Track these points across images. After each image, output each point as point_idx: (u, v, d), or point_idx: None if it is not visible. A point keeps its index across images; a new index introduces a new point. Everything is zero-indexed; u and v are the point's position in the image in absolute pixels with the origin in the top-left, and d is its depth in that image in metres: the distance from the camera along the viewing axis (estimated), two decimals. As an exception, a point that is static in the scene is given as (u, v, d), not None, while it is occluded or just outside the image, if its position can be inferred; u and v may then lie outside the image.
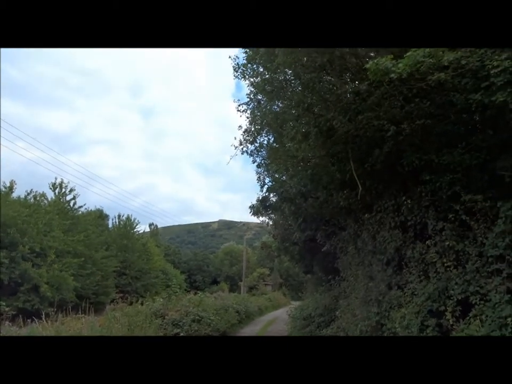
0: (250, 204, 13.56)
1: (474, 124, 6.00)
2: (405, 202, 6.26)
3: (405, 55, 4.18)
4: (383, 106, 5.97)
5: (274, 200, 12.94)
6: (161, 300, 11.68)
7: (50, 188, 31.71)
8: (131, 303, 10.74)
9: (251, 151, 11.29)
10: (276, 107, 9.49)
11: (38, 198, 29.71)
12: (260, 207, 13.20)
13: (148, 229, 57.01)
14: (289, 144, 8.51)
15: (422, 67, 4.16)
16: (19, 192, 30.87)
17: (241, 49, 8.81)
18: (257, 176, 12.61)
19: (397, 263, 6.57)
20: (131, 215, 42.85)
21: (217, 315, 13.81)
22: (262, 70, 8.49)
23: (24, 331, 6.96)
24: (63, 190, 32.10)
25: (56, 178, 32.49)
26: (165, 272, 45.52)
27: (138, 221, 43.58)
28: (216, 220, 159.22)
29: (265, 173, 12.66)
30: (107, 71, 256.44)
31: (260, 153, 11.78)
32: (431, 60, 4.04)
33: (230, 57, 9.27)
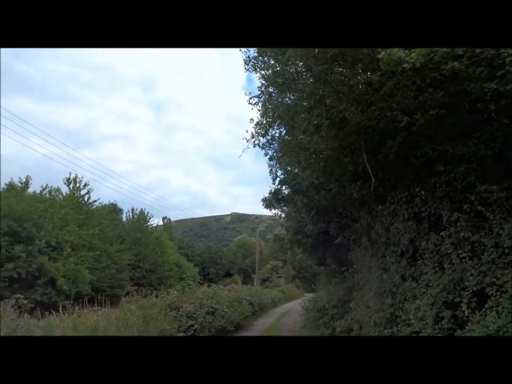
0: (262, 197, 13.58)
1: (489, 113, 5.89)
2: (419, 193, 6.20)
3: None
4: (396, 96, 5.90)
5: (286, 192, 12.93)
6: (176, 292, 11.81)
7: (65, 183, 32.21)
8: (146, 296, 10.90)
9: (263, 144, 11.28)
10: (287, 99, 9.44)
11: (53, 193, 30.27)
12: (272, 200, 13.21)
13: (161, 223, 57.61)
14: (301, 136, 8.48)
15: (435, 56, 4.10)
16: (34, 187, 31.46)
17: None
18: (269, 169, 12.61)
19: (411, 255, 6.53)
20: (144, 209, 43.32)
21: (231, 307, 13.92)
22: (273, 62, 8.43)
23: (42, 323, 7.11)
24: (77, 184, 32.59)
25: (70, 173, 32.96)
26: (179, 265, 46.01)
27: (151, 214, 44.07)
28: (229, 213, 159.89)
29: (277, 165, 12.64)
30: (118, 66, 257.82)
31: (271, 146, 11.77)
32: (445, 49, 3.97)
33: (240, 50, 9.24)
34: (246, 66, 9.18)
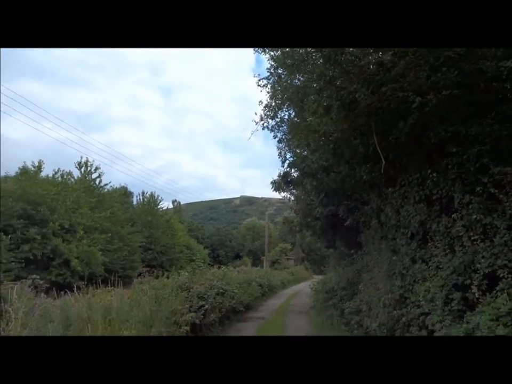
0: (271, 180, 13.56)
1: (505, 93, 5.74)
2: (430, 175, 6.13)
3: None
4: (408, 76, 5.77)
5: (295, 175, 12.89)
6: (186, 274, 11.96)
7: (76, 167, 32.58)
8: (157, 277, 11.08)
9: (272, 126, 11.22)
10: (296, 81, 9.32)
11: (65, 177, 30.67)
12: (281, 183, 13.20)
13: (171, 206, 58.07)
14: (311, 118, 8.39)
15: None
16: (47, 171, 31.86)
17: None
18: (278, 151, 12.55)
19: (421, 237, 6.51)
20: (154, 192, 43.71)
21: (240, 288, 14.12)
22: (282, 42, 8.28)
23: (58, 302, 7.31)
24: (89, 168, 32.96)
25: (81, 157, 33.34)
26: (189, 247, 46.61)
27: (161, 198, 44.50)
28: (238, 196, 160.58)
29: (286, 148, 12.57)
30: (126, 50, 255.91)
31: (280, 128, 11.70)
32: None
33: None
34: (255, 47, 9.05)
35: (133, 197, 44.32)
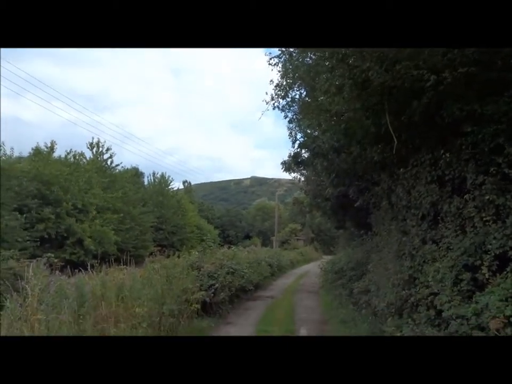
0: (282, 160, 13.51)
1: (524, 70, 5.57)
2: (443, 155, 6.03)
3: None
4: (422, 54, 5.62)
5: (306, 156, 12.79)
6: (197, 253, 12.13)
7: (88, 147, 32.86)
8: (168, 256, 11.25)
9: (283, 106, 11.09)
10: (308, 59, 9.15)
11: (77, 157, 30.99)
12: (291, 163, 13.12)
13: (181, 186, 58.48)
14: (322, 97, 8.26)
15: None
16: (59, 152, 32.19)
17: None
18: (289, 132, 12.45)
19: (432, 218, 6.46)
20: (165, 173, 43.98)
21: (250, 268, 14.29)
22: (293, 19, 8.10)
23: (72, 280, 7.51)
24: (100, 149, 33.19)
25: (93, 138, 33.53)
26: (199, 228, 47.10)
27: (172, 178, 44.74)
28: (248, 176, 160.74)
29: (297, 128, 12.45)
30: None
31: (291, 108, 11.56)
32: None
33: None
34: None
35: (144, 178, 44.71)
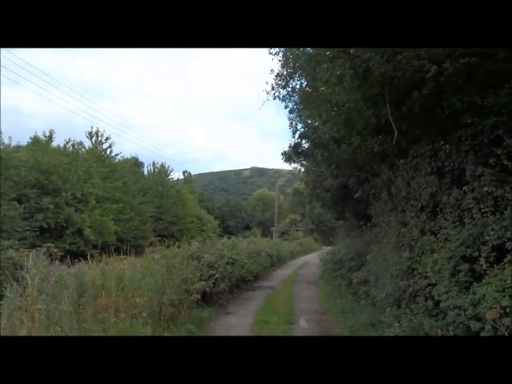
0: (282, 151, 13.48)
1: (525, 62, 5.52)
2: (443, 147, 6.02)
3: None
4: (424, 44, 5.57)
5: (306, 146, 12.75)
6: (197, 244, 12.17)
7: (87, 137, 32.69)
8: (168, 246, 11.28)
9: (283, 96, 11.01)
10: (309, 49, 9.06)
11: (76, 147, 30.85)
12: (291, 154, 13.09)
13: (181, 177, 58.41)
14: (323, 88, 8.22)
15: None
16: (58, 141, 32.06)
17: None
18: (289, 122, 12.40)
19: (431, 209, 6.47)
20: (165, 163, 43.88)
21: (250, 258, 14.36)
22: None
23: (72, 270, 7.53)
24: (99, 138, 33.02)
25: (92, 127, 33.39)
26: (199, 218, 47.19)
27: (172, 168, 44.66)
28: (248, 167, 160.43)
29: (297, 118, 12.40)
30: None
31: (292, 98, 11.48)
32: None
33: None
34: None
35: (143, 168, 44.64)
